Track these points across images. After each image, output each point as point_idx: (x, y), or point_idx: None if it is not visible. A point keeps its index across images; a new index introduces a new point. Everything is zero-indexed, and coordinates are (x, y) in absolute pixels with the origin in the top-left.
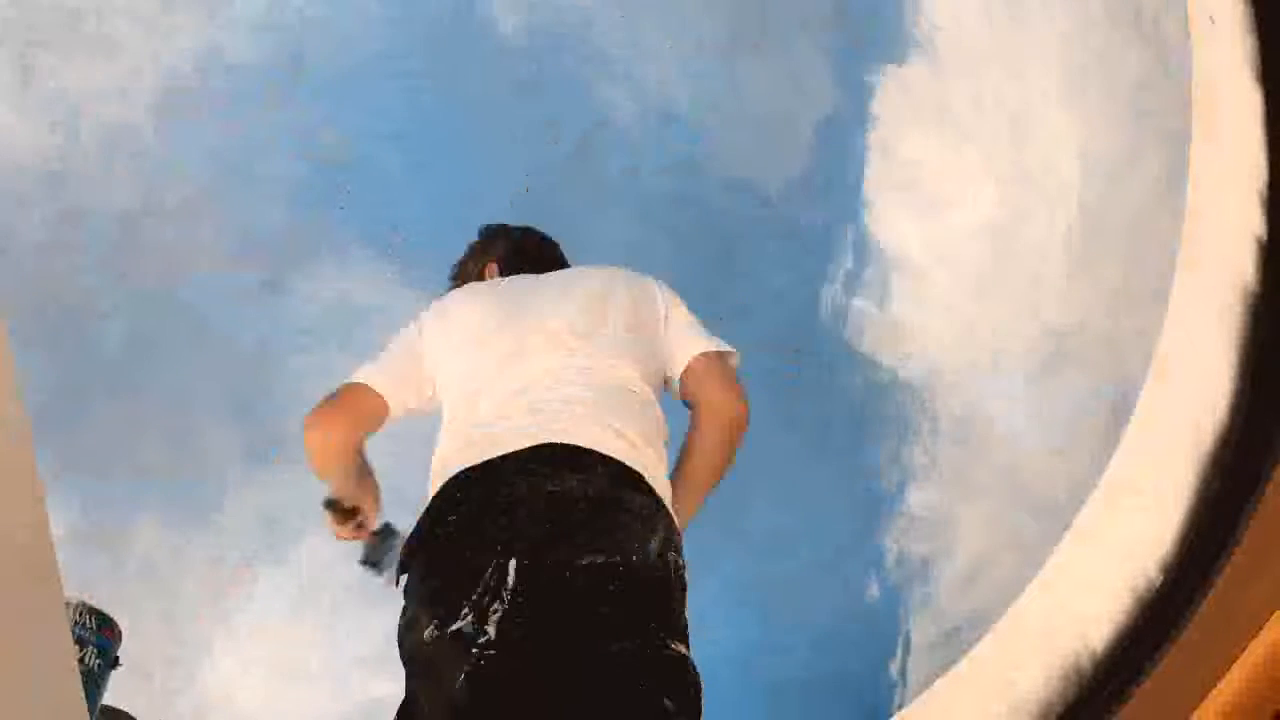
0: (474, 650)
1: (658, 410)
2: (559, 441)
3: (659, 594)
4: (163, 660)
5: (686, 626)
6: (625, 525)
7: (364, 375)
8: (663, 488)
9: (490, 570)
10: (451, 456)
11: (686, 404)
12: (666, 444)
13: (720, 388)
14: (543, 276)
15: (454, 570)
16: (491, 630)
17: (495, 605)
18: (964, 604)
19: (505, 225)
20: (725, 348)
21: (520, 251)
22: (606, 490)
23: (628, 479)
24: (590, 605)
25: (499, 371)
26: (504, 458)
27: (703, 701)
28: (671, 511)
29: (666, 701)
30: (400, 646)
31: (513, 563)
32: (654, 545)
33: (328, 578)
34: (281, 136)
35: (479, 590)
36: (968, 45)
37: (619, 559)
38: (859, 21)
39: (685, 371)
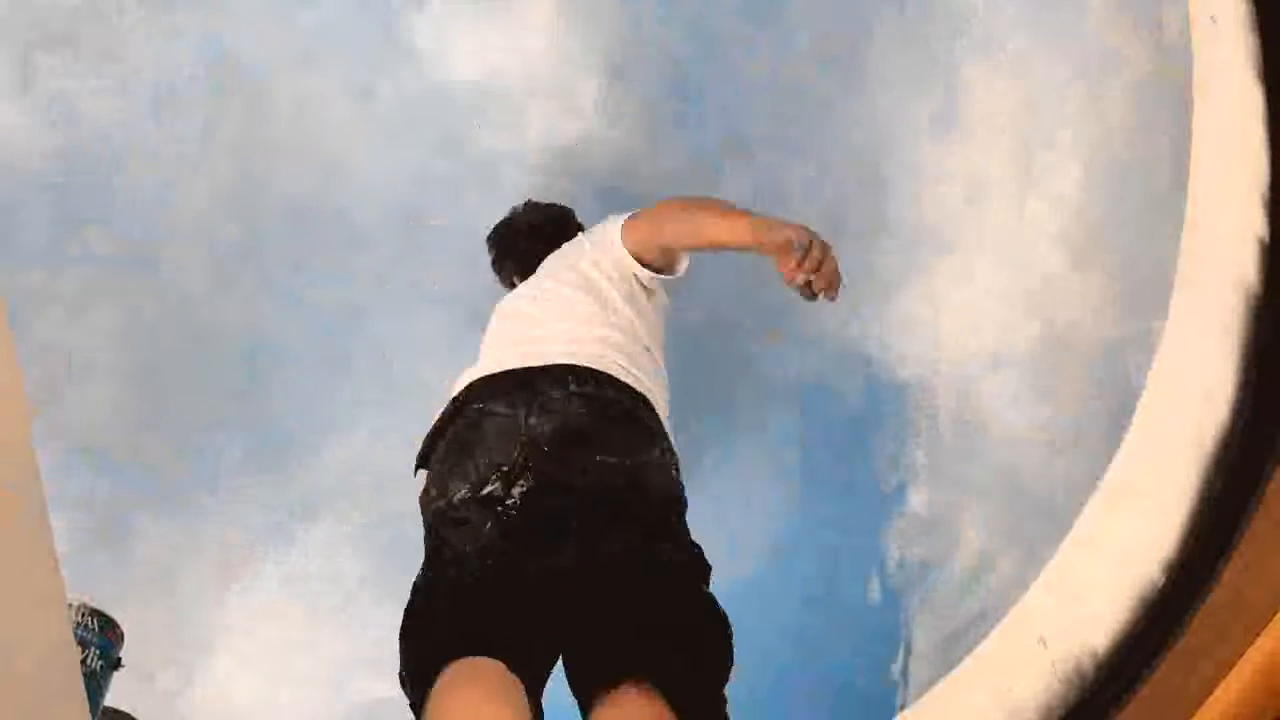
0: (499, 509)
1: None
2: (586, 365)
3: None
4: (164, 661)
5: (685, 533)
6: (634, 435)
7: None
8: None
9: (518, 452)
10: (479, 371)
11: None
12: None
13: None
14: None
15: (486, 448)
16: (516, 497)
17: (522, 480)
18: (965, 605)
19: (499, 234)
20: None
21: (521, 256)
22: (626, 403)
23: (640, 399)
24: (599, 492)
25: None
26: (542, 368)
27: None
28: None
29: (665, 547)
30: (424, 511)
31: (543, 449)
32: (655, 452)
33: (330, 578)
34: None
35: (508, 466)
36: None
37: (628, 461)
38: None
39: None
